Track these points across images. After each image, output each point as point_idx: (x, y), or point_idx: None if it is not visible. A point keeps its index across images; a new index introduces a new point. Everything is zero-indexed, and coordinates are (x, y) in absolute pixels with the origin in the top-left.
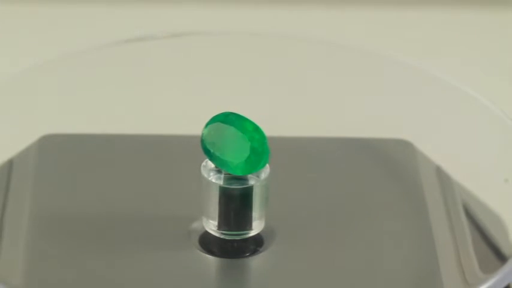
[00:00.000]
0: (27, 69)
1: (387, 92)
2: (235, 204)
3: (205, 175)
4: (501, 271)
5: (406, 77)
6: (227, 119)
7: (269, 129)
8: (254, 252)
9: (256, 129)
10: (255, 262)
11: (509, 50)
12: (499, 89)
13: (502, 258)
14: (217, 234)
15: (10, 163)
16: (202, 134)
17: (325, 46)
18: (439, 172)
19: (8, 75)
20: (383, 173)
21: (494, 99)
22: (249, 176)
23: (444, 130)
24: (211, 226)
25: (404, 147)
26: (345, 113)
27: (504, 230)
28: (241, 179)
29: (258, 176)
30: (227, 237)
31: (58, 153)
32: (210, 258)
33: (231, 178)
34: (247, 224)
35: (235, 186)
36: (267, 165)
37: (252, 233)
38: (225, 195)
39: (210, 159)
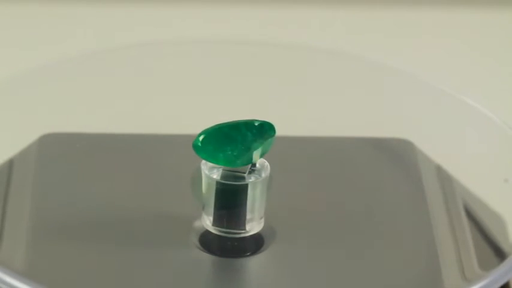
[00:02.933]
0: (27, 69)
1: (388, 92)
2: (234, 202)
3: (206, 171)
4: (500, 268)
5: (406, 78)
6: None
7: None
8: (254, 252)
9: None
10: (255, 262)
11: (509, 50)
12: (498, 89)
13: (502, 257)
14: (216, 232)
15: (10, 162)
16: None
17: (328, 51)
18: (440, 171)
19: (8, 75)
20: (383, 172)
21: (494, 99)
22: (250, 174)
23: (444, 130)
24: (211, 224)
25: (405, 146)
26: (346, 113)
27: (504, 229)
28: (242, 177)
29: (258, 174)
30: (226, 235)
31: (58, 152)
32: (210, 257)
33: (231, 175)
34: (246, 222)
35: (233, 182)
36: (267, 164)
37: (252, 232)
38: (223, 191)
39: None
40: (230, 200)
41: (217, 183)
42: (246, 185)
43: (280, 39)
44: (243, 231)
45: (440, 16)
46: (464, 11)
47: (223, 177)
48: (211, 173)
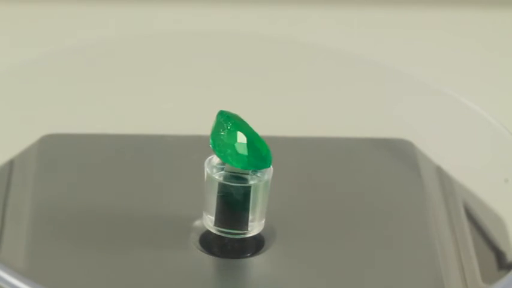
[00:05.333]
0: (26, 70)
1: (388, 93)
2: (236, 202)
3: (209, 171)
4: (503, 281)
5: (407, 79)
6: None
7: (271, 129)
8: (254, 252)
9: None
10: (255, 262)
11: (509, 51)
12: (498, 89)
13: (502, 257)
14: (216, 232)
15: (11, 163)
16: None
17: (328, 51)
18: (440, 172)
19: (8, 76)
20: (384, 173)
21: (494, 99)
22: (252, 175)
23: (445, 130)
24: (211, 224)
25: (405, 147)
26: (347, 113)
27: (504, 229)
28: (244, 178)
29: (261, 176)
30: (227, 236)
31: (58, 153)
32: (210, 258)
33: (233, 176)
34: (246, 223)
35: (237, 184)
36: (271, 166)
37: (252, 233)
38: (226, 192)
39: None
40: (232, 201)
41: (220, 184)
42: (249, 187)
43: (280, 38)
44: (244, 232)
45: (441, 16)
46: (465, 11)
47: (226, 178)
48: (213, 173)
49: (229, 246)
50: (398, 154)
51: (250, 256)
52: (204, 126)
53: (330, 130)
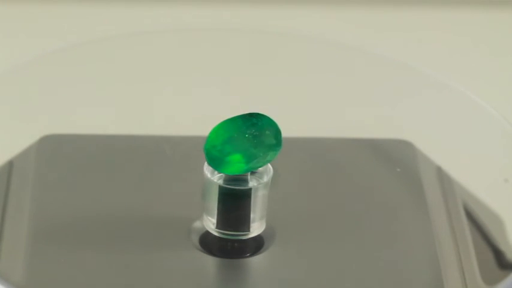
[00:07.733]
0: (26, 70)
1: (388, 93)
2: (235, 205)
3: (208, 174)
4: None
5: (407, 78)
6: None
7: None
8: (254, 252)
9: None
10: (255, 262)
11: (508, 50)
12: (498, 89)
13: (501, 257)
14: (216, 234)
15: (10, 164)
16: None
17: (328, 47)
18: (440, 172)
19: (8, 76)
20: (384, 173)
21: (494, 99)
22: (252, 177)
23: (444, 130)
24: (211, 225)
25: (405, 147)
26: (347, 113)
27: (504, 229)
28: (244, 180)
29: (260, 178)
30: (226, 237)
31: (58, 153)
32: (210, 258)
33: (233, 178)
34: (246, 225)
35: (236, 186)
36: (270, 167)
37: (252, 234)
38: (225, 194)
39: None
40: (232, 203)
41: (220, 187)
42: (249, 189)
43: (278, 37)
44: (245, 233)
45: (440, 14)
46: (465, 8)
47: (226, 181)
48: (213, 176)
49: (229, 246)
50: (398, 154)
51: (250, 256)
52: (205, 127)
53: (329, 130)
